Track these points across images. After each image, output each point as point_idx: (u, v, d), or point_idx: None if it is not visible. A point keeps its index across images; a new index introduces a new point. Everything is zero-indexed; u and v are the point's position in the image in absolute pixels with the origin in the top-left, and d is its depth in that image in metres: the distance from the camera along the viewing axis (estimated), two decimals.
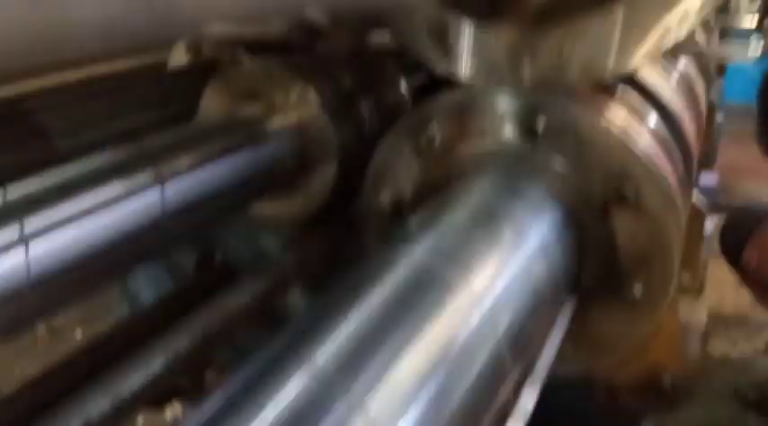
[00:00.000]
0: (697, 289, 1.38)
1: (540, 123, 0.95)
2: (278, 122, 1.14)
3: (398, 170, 1.08)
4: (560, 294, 0.90)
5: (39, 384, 1.05)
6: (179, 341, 1.00)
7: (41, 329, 2.88)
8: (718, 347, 2.90)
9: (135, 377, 0.90)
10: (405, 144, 1.06)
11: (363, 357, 0.59)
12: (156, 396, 1.06)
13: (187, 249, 1.49)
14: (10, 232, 0.74)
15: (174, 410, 1.66)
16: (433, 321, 0.67)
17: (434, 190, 1.03)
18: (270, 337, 0.60)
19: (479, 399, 0.65)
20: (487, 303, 0.72)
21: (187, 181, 0.94)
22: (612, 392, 1.24)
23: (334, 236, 1.29)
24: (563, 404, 1.07)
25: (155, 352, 0.95)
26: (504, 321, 0.73)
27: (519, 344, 0.74)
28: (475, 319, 0.70)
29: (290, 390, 0.54)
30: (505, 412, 0.68)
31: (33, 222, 0.76)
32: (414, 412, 0.57)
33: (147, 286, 1.60)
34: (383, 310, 0.66)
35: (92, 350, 1.08)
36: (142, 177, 0.88)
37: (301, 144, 1.18)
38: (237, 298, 1.12)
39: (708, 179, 3.42)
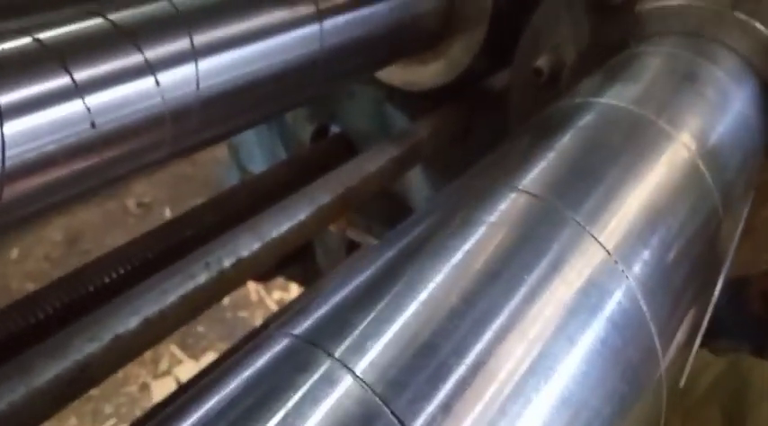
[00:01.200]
0: None
1: None
2: None
3: (563, 29, 0.98)
4: (756, 168, 0.80)
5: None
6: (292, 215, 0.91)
7: (131, 203, 2.96)
8: None
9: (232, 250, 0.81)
10: None
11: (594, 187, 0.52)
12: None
13: (304, 117, 1.43)
14: (180, 43, 0.68)
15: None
16: (650, 167, 0.59)
17: (605, 54, 0.93)
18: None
19: (699, 250, 0.58)
20: (703, 154, 0.64)
21: (344, 18, 0.86)
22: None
23: (468, 110, 1.20)
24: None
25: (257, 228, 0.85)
26: (717, 175, 0.64)
27: (727, 203, 0.65)
28: (688, 169, 0.62)
29: None
30: (718, 271, 0.61)
31: (201, 37, 0.70)
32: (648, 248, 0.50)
33: (258, 155, 1.56)
34: (605, 150, 0.58)
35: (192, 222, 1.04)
36: (303, 8, 0.81)
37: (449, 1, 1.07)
38: (354, 173, 1.03)
39: None
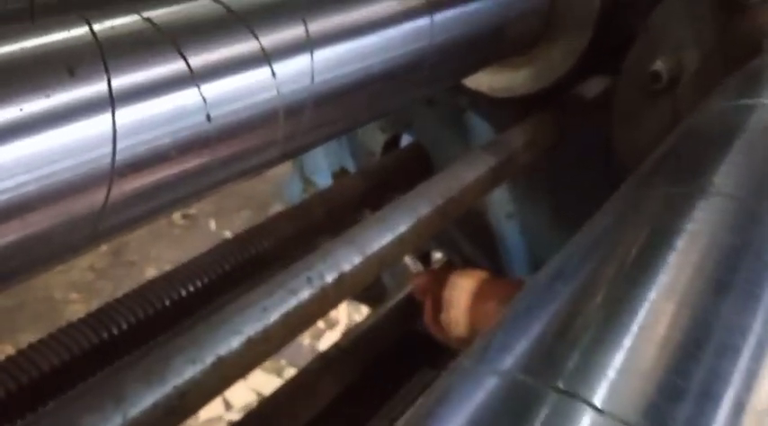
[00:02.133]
0: None
1: None
2: None
3: (685, 31, 0.89)
4: None
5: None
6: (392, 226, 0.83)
7: (176, 214, 2.91)
8: None
9: None
10: None
11: None
12: None
13: (376, 126, 1.36)
14: (295, 30, 0.61)
15: None
16: None
17: (731, 59, 0.84)
18: None
19: None
20: None
21: (454, 12, 0.79)
22: None
23: (560, 119, 1.12)
24: None
25: None
26: None
27: None
28: None
29: None
30: None
31: (315, 25, 0.63)
32: None
33: (323, 165, 1.49)
34: None
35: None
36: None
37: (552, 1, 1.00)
38: (452, 182, 0.95)
39: None
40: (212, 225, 2.94)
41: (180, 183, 0.53)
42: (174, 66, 0.51)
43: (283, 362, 2.27)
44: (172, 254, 2.59)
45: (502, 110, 1.17)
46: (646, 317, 0.34)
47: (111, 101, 0.47)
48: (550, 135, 1.09)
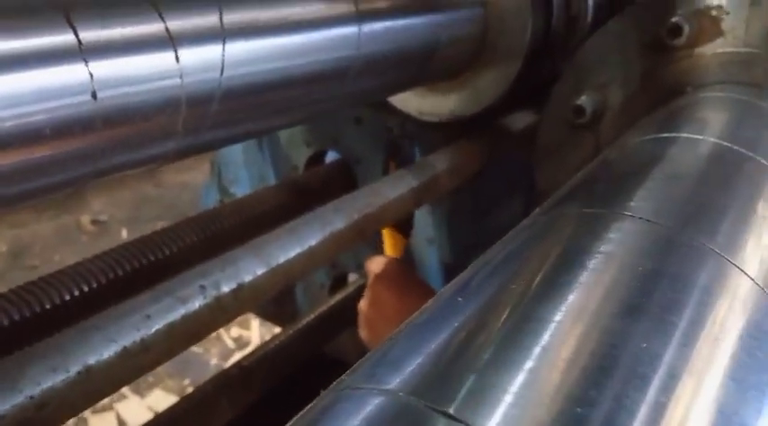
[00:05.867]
0: None
1: None
2: None
3: (611, 69, 0.90)
4: None
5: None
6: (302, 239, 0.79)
7: (86, 219, 2.76)
8: None
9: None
10: (631, 36, 0.87)
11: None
12: None
13: (301, 139, 1.32)
14: (209, 17, 0.57)
15: None
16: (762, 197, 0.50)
17: (655, 100, 0.85)
18: None
19: None
20: None
21: (383, 25, 0.77)
22: None
23: (486, 147, 1.11)
24: None
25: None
26: None
27: None
28: None
29: None
30: None
31: (232, 15, 0.58)
32: None
33: (243, 177, 1.43)
34: (713, 181, 0.49)
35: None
36: (344, 5, 0.71)
37: (485, 27, 0.99)
38: (372, 199, 0.91)
39: None
40: (124, 233, 2.80)
41: (54, 167, 0.47)
42: (61, 38, 0.46)
43: (186, 381, 2.15)
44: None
45: (430, 133, 1.15)
46: (550, 339, 0.31)
47: None
48: (475, 162, 1.08)
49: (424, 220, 1.22)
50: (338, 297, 1.33)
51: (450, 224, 1.21)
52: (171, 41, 0.53)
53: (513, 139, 1.16)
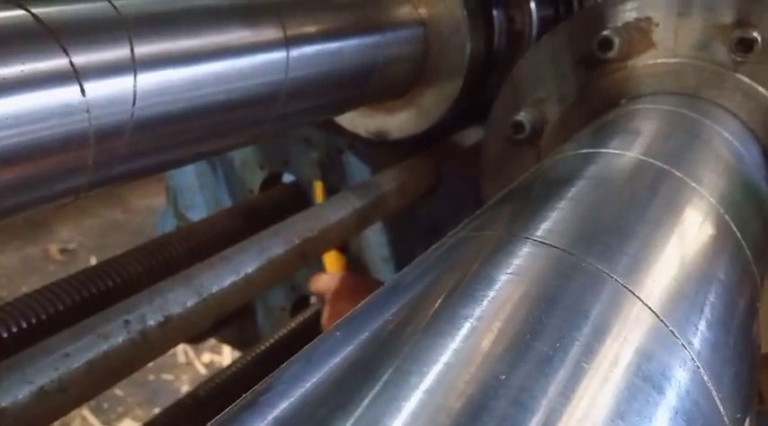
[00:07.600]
0: None
1: (754, 38, 0.77)
2: (405, 13, 0.96)
3: (547, 84, 0.91)
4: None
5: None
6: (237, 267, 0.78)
7: (54, 248, 2.72)
8: None
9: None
10: (565, 51, 0.88)
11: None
12: None
13: (255, 163, 1.31)
14: (118, 50, 0.56)
15: None
16: (682, 222, 0.50)
17: (591, 112, 0.86)
18: None
19: (743, 312, 0.48)
20: (727, 209, 0.55)
21: (313, 49, 0.76)
22: None
23: (435, 165, 1.11)
24: None
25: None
26: (744, 230, 0.56)
27: (757, 259, 0.57)
28: (718, 222, 0.54)
29: None
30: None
31: (144, 46, 0.58)
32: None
33: (199, 202, 1.42)
34: (628, 202, 0.49)
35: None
36: (271, 30, 0.71)
37: (426, 46, 1.00)
38: (312, 222, 0.90)
39: None
40: (93, 261, 2.76)
41: None
42: None
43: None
44: None
45: (379, 152, 1.15)
46: (440, 370, 0.31)
47: None
48: (425, 180, 1.08)
49: (377, 240, 1.21)
50: (299, 319, 1.32)
51: (405, 242, 1.21)
52: (76, 76, 0.52)
53: (464, 156, 1.16)
